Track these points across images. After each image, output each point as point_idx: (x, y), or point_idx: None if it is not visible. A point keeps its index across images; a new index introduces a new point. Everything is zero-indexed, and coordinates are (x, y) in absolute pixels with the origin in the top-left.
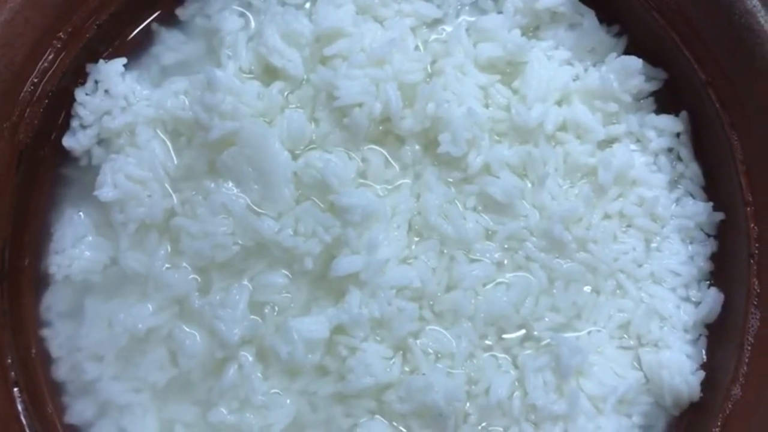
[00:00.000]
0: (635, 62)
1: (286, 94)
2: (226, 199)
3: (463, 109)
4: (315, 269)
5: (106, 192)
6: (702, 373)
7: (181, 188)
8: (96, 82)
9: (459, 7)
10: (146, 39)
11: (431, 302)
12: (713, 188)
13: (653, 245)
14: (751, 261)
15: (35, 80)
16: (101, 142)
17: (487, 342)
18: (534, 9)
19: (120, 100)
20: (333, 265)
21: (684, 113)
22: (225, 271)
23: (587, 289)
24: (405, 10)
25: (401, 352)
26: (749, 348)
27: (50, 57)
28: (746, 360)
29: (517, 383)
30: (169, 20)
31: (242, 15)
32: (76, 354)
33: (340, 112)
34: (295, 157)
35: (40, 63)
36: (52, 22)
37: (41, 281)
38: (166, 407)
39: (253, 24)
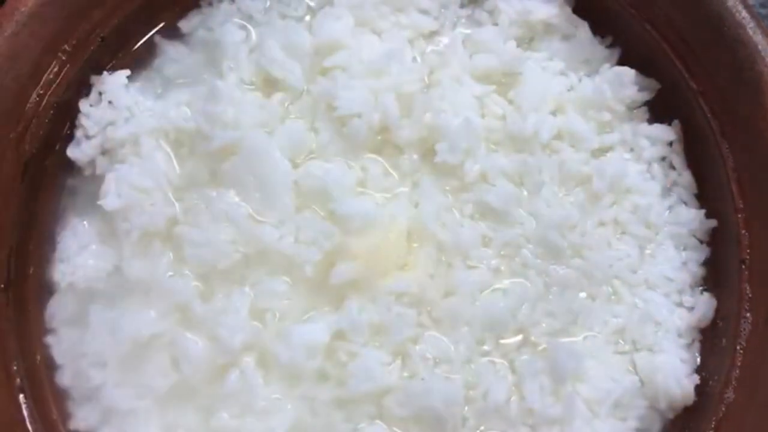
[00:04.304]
0: (628, 73)
1: (286, 104)
2: (227, 208)
3: (459, 119)
4: (315, 276)
5: (110, 201)
6: (696, 377)
7: (184, 197)
8: (100, 93)
9: (455, 19)
10: (149, 51)
11: (429, 308)
12: (705, 196)
13: (647, 252)
14: (743, 266)
15: (40, 92)
16: (105, 152)
17: (485, 347)
18: (528, 21)
19: (123, 111)
20: (333, 272)
21: (676, 122)
22: (227, 279)
23: (583, 295)
24: (402, 23)
25: (400, 357)
26: (741, 352)
27: (55, 69)
28: (738, 363)
29: (514, 388)
30: (172, 33)
31: (243, 27)
32: (80, 360)
33: (340, 122)
34: (295, 167)
35: (45, 75)
36: (57, 36)
37: (46, 289)
38: (169, 413)
39: (254, 36)
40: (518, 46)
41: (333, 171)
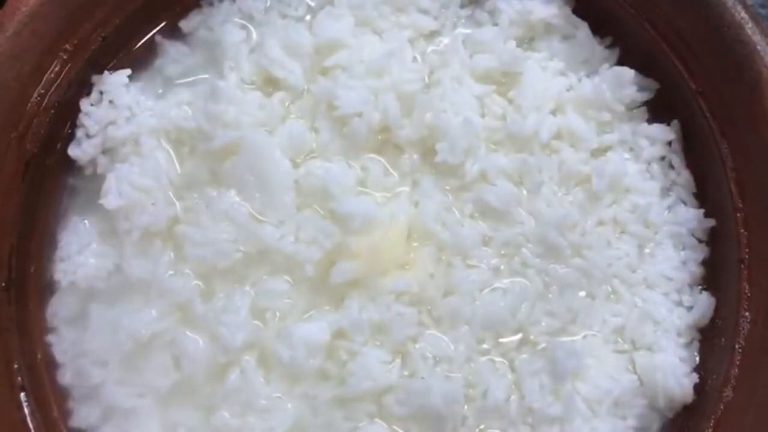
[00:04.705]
0: (628, 73)
1: (287, 104)
2: (228, 207)
3: (460, 119)
4: (315, 275)
5: (111, 200)
6: (695, 376)
7: (184, 196)
8: (101, 93)
9: (455, 19)
10: (150, 51)
11: (429, 307)
12: (704, 195)
13: (646, 251)
14: (742, 266)
15: (42, 91)
16: (106, 151)
17: (485, 346)
18: (528, 21)
19: (124, 111)
20: (333, 272)
21: (675, 122)
22: (227, 278)
23: (582, 294)
24: (403, 23)
25: (400, 356)
26: (740, 351)
27: (56, 69)
28: (737, 362)
29: (513, 386)
30: (173, 33)
31: (244, 27)
32: (81, 359)
33: (340, 121)
34: (296, 166)
35: (47, 74)
36: (59, 35)
37: (47, 288)
38: (170, 411)
39: (254, 36)
40: (518, 46)
41: (333, 170)
